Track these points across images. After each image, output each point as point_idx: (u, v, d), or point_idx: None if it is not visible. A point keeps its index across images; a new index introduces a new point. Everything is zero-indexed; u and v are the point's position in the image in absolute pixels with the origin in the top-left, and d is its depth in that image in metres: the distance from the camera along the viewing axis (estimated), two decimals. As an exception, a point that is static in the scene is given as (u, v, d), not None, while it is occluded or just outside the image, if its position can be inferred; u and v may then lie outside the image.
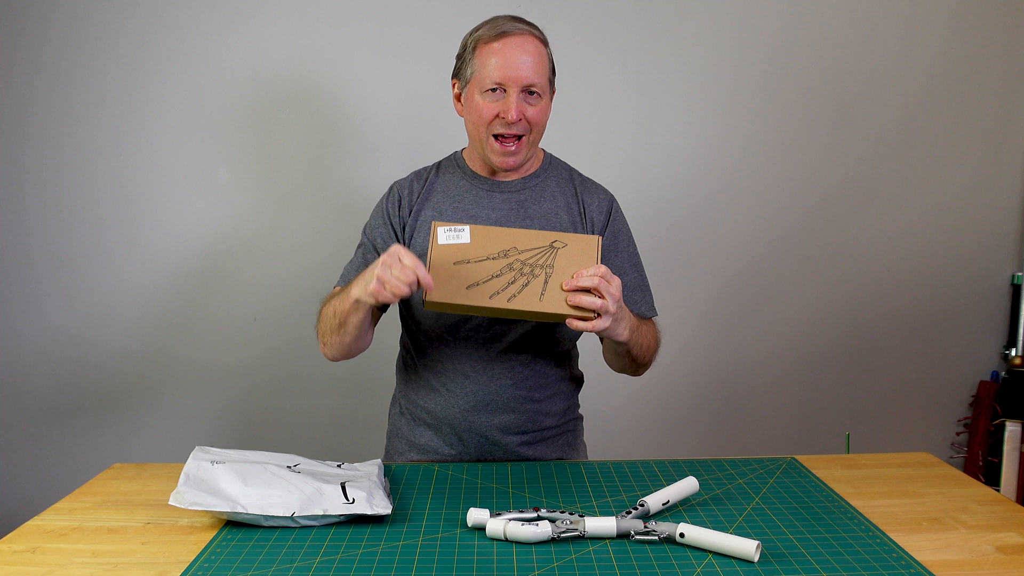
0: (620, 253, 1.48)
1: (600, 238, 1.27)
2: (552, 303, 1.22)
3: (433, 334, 1.45)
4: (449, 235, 1.25)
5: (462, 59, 1.41)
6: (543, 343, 1.45)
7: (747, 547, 1.00)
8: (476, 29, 1.39)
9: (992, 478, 2.38)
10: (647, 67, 2.24)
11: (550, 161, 1.52)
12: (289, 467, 1.21)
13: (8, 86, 2.16)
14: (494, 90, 1.36)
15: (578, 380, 1.57)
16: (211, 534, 1.10)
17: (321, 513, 1.11)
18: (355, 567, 1.00)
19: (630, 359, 1.41)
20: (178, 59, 2.17)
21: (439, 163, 1.53)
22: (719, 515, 1.15)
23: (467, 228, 1.26)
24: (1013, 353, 2.38)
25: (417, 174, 1.52)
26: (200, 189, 2.22)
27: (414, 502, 1.21)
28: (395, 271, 1.19)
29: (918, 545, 1.06)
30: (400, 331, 1.56)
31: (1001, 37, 2.30)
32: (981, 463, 2.40)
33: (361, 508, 1.12)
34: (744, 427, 2.39)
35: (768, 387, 2.39)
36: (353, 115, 2.21)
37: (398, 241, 1.46)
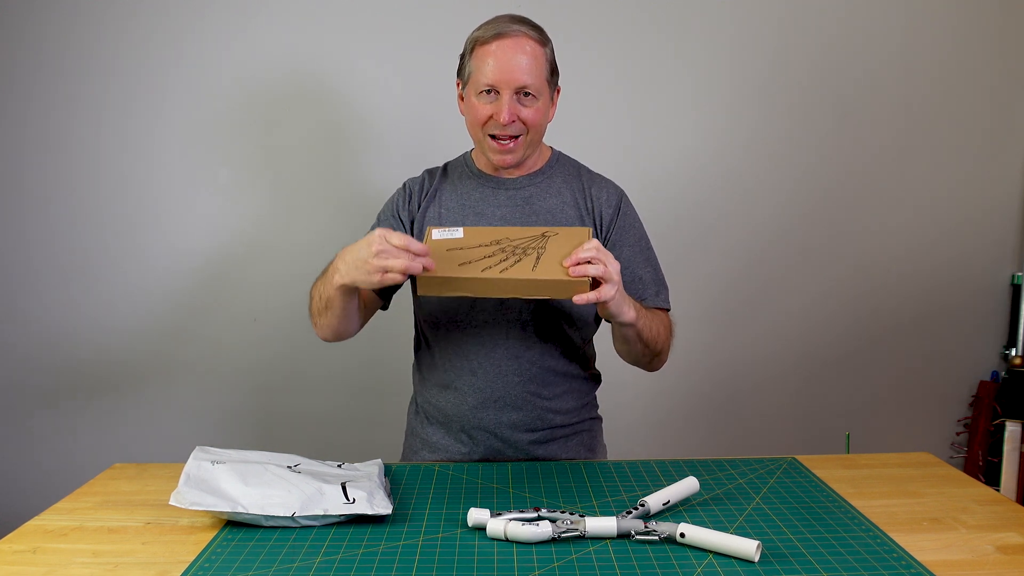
0: (632, 247, 1.47)
1: (591, 229, 1.30)
2: (545, 271, 1.22)
3: (440, 325, 1.45)
4: (443, 233, 1.31)
5: (463, 59, 1.43)
6: (553, 339, 1.44)
7: (747, 547, 1.00)
8: (477, 29, 1.40)
9: (992, 478, 2.38)
10: (648, 65, 2.24)
11: (557, 158, 1.52)
12: (289, 467, 1.21)
13: (9, 88, 2.16)
14: (488, 92, 1.37)
15: (594, 379, 1.56)
16: (211, 534, 1.10)
17: (321, 513, 1.11)
18: (355, 567, 1.00)
19: (642, 344, 1.38)
20: (181, 60, 2.17)
21: (449, 163, 1.55)
22: (719, 515, 1.16)
23: (460, 228, 1.31)
24: (1013, 353, 2.37)
25: (429, 172, 1.54)
26: (203, 190, 2.21)
27: (414, 502, 1.21)
28: (393, 241, 1.18)
29: (918, 545, 1.06)
30: (413, 335, 1.56)
31: (1001, 37, 2.30)
32: (981, 463, 2.40)
33: (361, 508, 1.12)
34: (744, 427, 2.39)
35: (768, 387, 2.39)
36: (357, 115, 2.21)
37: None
